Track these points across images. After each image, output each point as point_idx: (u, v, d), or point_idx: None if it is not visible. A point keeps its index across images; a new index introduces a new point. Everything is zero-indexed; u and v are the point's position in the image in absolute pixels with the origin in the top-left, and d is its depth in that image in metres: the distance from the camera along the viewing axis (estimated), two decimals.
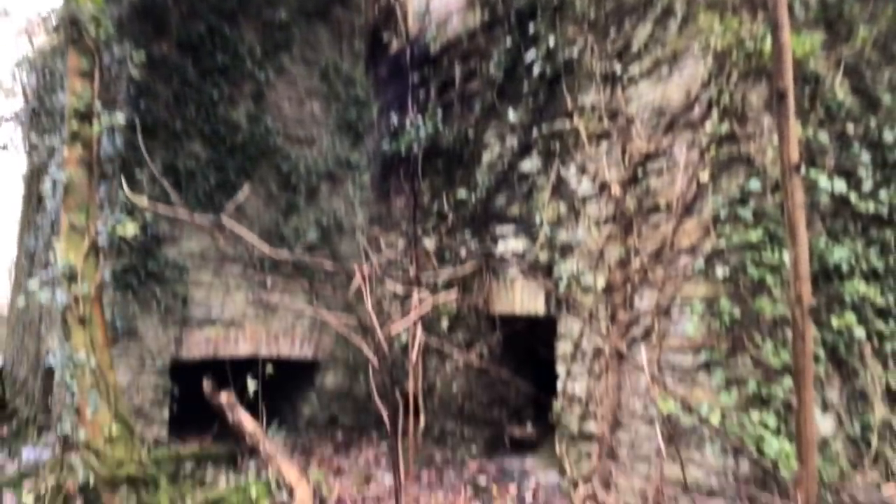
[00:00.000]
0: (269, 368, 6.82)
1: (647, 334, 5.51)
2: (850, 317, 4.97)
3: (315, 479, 5.68)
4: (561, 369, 6.33)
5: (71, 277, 4.98)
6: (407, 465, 5.79)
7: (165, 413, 8.16)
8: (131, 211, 7.14)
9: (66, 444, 5.49)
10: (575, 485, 5.97)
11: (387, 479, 6.35)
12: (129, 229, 5.29)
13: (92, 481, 4.71)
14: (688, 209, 5.27)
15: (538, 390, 7.29)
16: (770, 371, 4.70)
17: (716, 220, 5.01)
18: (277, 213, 8.92)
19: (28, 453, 7.51)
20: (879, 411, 5.14)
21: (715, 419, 4.73)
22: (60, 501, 5.50)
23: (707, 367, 5.03)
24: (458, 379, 7.67)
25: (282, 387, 10.18)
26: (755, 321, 4.79)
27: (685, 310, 5.23)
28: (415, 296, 5.29)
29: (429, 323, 8.19)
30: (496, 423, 7.47)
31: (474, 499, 5.97)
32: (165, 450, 6.42)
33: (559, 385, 6.35)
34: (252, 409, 6.97)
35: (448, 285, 7.69)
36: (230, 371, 7.53)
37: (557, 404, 6.30)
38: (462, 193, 7.76)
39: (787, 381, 4.62)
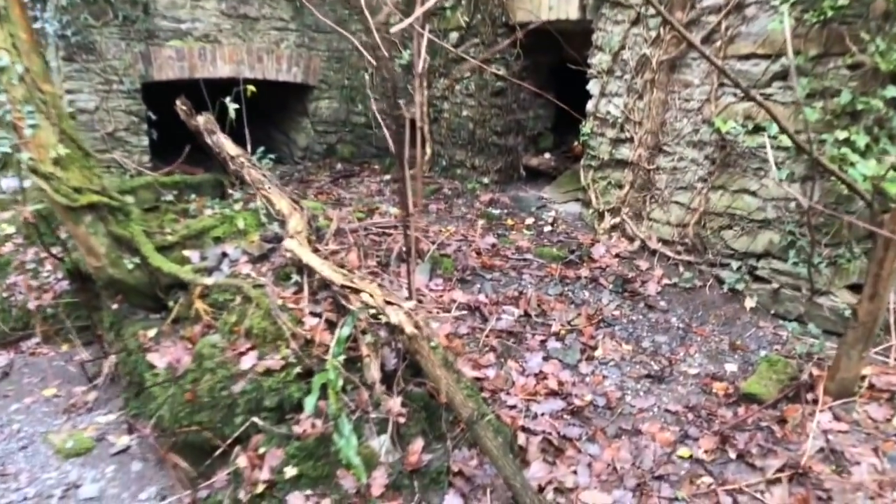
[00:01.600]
0: (251, 88, 5.82)
1: (709, 38, 4.42)
2: None
3: (311, 209, 5.09)
4: (594, 87, 5.35)
5: None
6: (414, 194, 5.14)
7: (144, 140, 7.42)
8: None
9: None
10: (601, 215, 5.39)
11: (392, 210, 5.78)
12: None
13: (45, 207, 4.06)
14: None
15: (561, 115, 6.40)
16: (870, 78, 3.72)
17: None
18: None
19: (6, 182, 6.91)
20: None
21: (786, 139, 3.88)
22: (32, 230, 4.97)
23: (784, 77, 4.05)
24: (468, 104, 6.72)
25: (272, 116, 9.28)
26: (864, 14, 3.68)
27: (765, 4, 4.08)
28: None
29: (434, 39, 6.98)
30: (510, 153, 6.71)
31: (487, 230, 5.44)
32: (141, 179, 5.72)
33: (590, 106, 5.42)
34: (238, 138, 6.17)
35: None
36: (209, 96, 6.57)
37: (586, 126, 5.43)
38: None
39: (890, 91, 3.67)
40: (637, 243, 5.03)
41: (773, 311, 4.22)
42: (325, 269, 3.54)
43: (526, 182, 6.74)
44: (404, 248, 4.67)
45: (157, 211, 5.55)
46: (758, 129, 4.18)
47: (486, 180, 6.64)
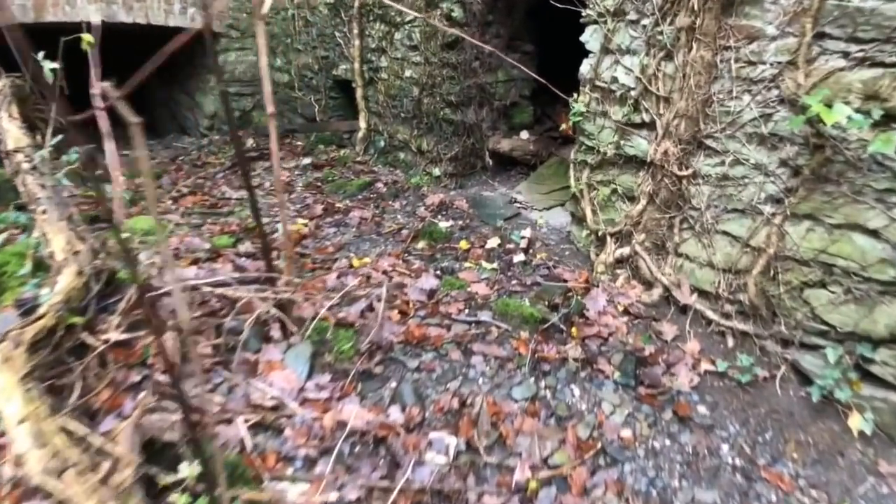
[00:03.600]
0: (89, 38, 3.81)
1: None
2: None
3: (139, 232, 3.24)
4: (592, 38, 3.41)
5: None
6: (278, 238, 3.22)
7: None
8: None
9: None
10: (600, 240, 3.52)
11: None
12: None
13: None
14: None
15: (545, 76, 4.48)
16: None
17: None
18: None
19: None
20: None
21: None
22: None
23: None
24: (411, 60, 4.75)
25: (177, 73, 7.24)
26: None
27: None
28: None
29: None
30: (471, 132, 4.78)
31: (428, 260, 3.57)
32: None
33: (585, 68, 3.49)
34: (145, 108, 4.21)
35: None
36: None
37: (580, 101, 3.51)
38: None
39: None
40: (657, 292, 3.18)
41: None
42: (23, 434, 1.69)
43: (494, 174, 4.83)
44: (272, 315, 2.80)
45: None
46: (891, 119, 2.30)
47: (436, 171, 4.73)
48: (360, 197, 4.55)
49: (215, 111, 6.64)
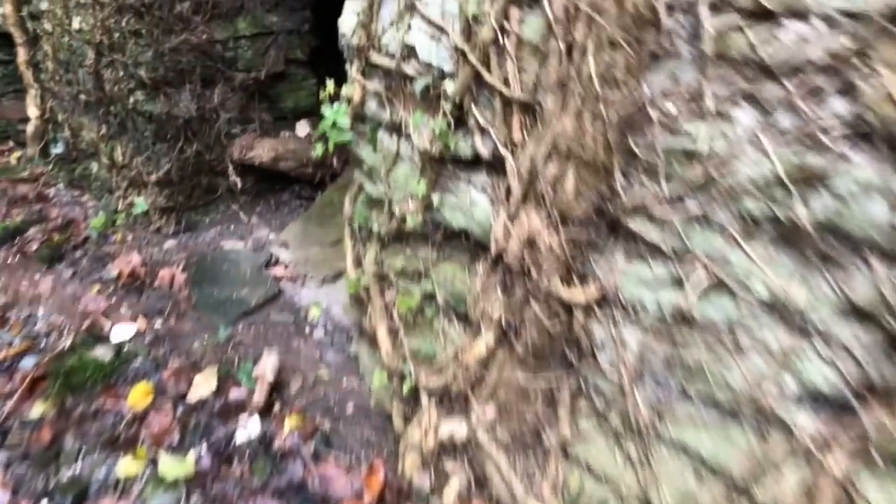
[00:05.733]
0: None
1: None
2: None
3: None
4: None
5: None
6: None
7: None
8: None
9: None
10: (410, 399, 1.67)
11: None
12: None
13: None
14: None
15: (332, 16, 2.54)
16: None
17: None
18: None
19: None
20: None
21: None
22: None
23: None
24: (91, 7, 2.55)
25: None
26: None
27: None
28: None
29: None
30: (197, 133, 2.71)
31: (32, 466, 1.61)
32: None
33: (348, 22, 1.54)
34: None
35: None
36: None
37: (345, 98, 1.58)
38: None
39: None
40: None
41: None
42: None
43: (253, 200, 2.83)
44: None
45: None
46: None
47: (141, 203, 2.65)
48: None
49: None
